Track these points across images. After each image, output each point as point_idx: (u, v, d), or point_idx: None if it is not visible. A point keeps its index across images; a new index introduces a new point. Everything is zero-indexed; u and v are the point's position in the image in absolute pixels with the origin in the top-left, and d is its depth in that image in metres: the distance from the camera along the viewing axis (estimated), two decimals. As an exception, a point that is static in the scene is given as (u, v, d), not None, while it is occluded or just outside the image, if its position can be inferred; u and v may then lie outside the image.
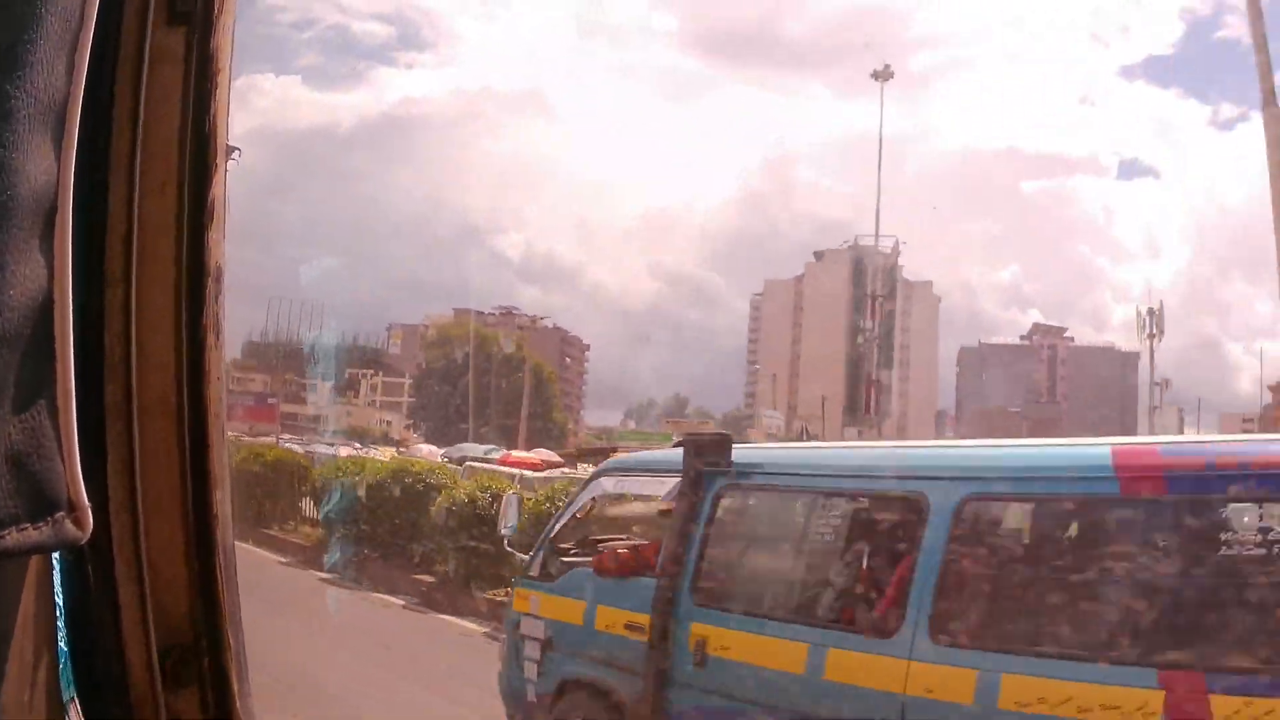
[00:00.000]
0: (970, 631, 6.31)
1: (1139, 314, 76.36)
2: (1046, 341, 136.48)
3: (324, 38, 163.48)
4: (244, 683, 1.85)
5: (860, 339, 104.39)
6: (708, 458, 7.88)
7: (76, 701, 1.72)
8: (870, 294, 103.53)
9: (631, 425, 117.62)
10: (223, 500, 1.81)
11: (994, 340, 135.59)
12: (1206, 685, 5.20)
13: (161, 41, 1.71)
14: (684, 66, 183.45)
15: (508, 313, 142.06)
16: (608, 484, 9.92)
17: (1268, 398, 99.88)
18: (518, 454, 43.04)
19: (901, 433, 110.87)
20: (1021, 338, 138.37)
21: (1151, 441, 7.66)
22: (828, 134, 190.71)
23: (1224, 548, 5.69)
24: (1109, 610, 5.99)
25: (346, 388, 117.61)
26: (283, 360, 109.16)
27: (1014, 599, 6.48)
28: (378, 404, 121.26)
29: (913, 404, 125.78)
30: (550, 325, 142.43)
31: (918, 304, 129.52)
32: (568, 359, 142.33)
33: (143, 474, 1.73)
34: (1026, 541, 6.85)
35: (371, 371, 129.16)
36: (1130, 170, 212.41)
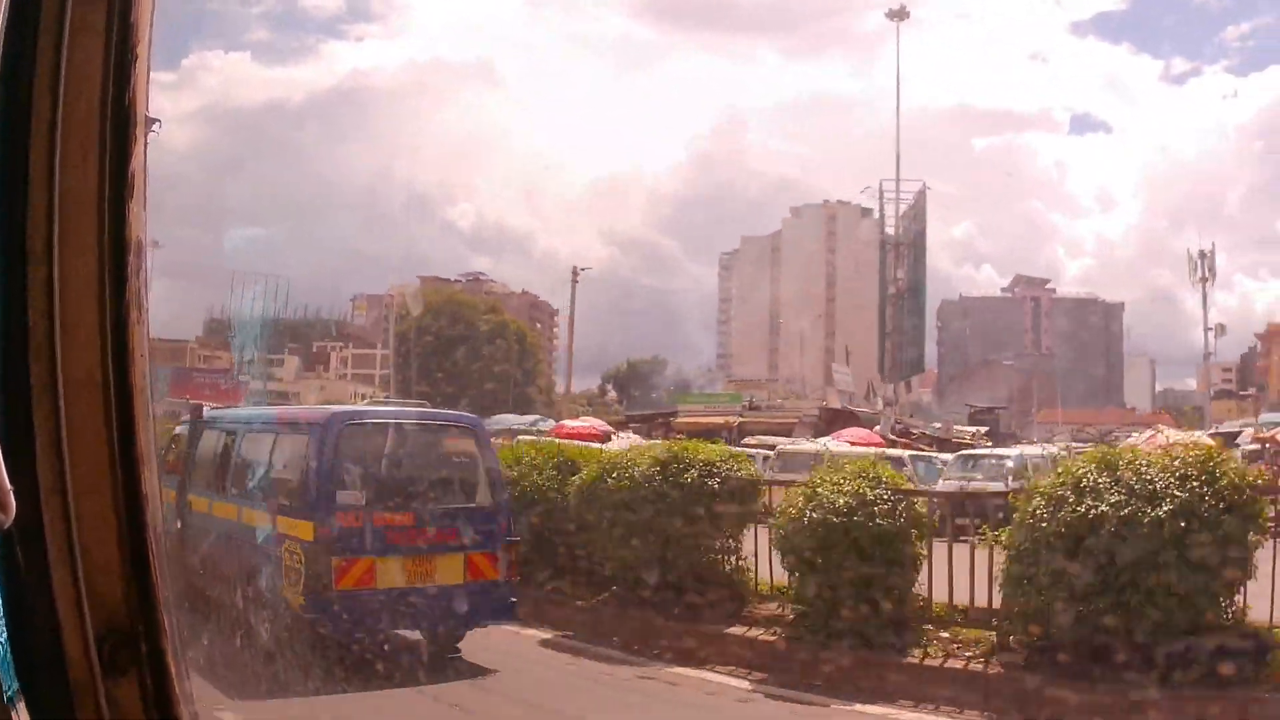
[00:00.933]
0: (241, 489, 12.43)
1: (1190, 256, 73.02)
2: (1029, 293, 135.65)
3: (273, 13, 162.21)
4: (181, 666, 1.82)
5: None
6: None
7: (21, 695, 1.69)
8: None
9: (611, 391, 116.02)
10: (151, 479, 1.77)
11: (974, 294, 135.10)
12: None
13: (81, 13, 1.67)
14: (635, 34, 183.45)
15: (475, 279, 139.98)
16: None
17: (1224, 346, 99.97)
18: (573, 424, 40.15)
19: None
20: (1003, 290, 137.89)
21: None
22: (778, 97, 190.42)
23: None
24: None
25: (315, 361, 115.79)
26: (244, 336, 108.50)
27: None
28: (349, 377, 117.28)
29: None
30: (519, 291, 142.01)
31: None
32: (538, 324, 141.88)
33: (71, 455, 1.70)
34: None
35: (341, 344, 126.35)
36: (1082, 125, 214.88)
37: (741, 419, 56.75)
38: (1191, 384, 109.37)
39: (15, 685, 1.65)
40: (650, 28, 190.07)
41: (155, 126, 1.74)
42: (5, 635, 1.65)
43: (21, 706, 1.65)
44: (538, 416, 56.08)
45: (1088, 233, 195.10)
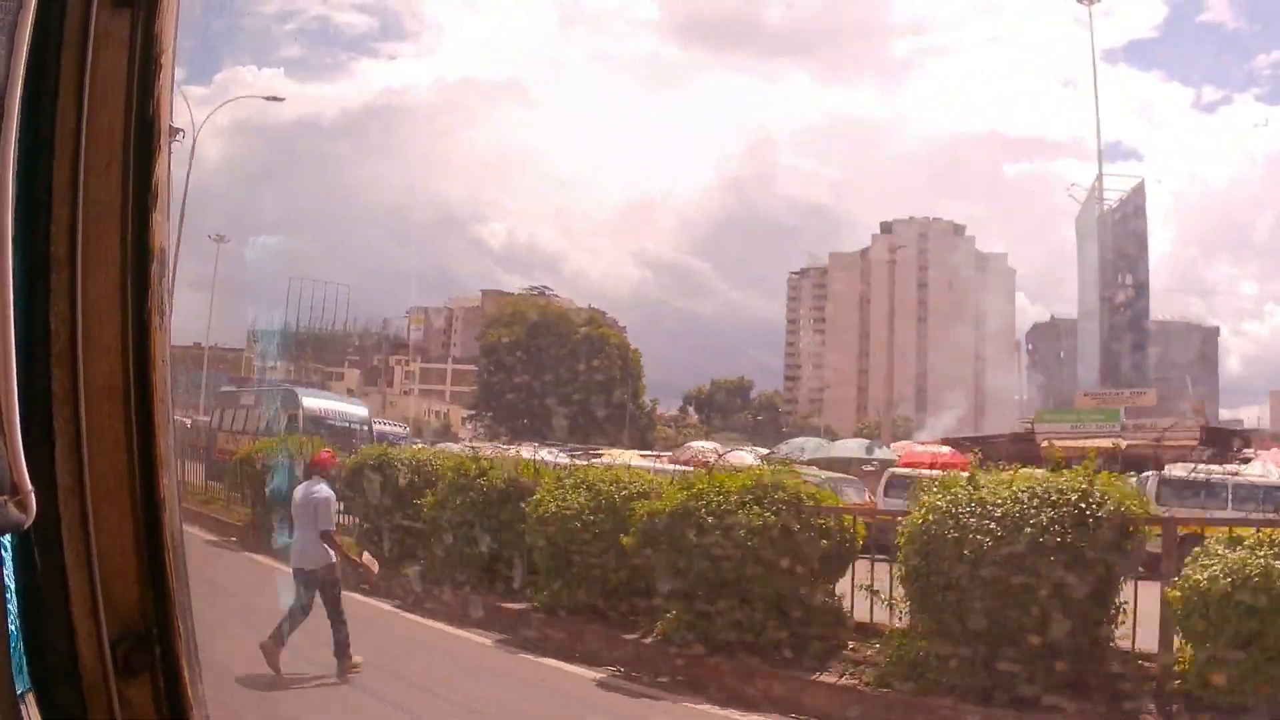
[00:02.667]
0: None
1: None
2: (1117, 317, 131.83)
3: (306, 29, 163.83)
4: (195, 670, 1.84)
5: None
6: None
7: (33, 693, 1.71)
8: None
9: (692, 414, 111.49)
10: (170, 484, 1.80)
11: (1067, 315, 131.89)
12: None
13: (106, 25, 1.70)
14: (665, 54, 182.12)
15: (540, 292, 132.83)
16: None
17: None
18: (923, 450, 34.33)
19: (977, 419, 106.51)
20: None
21: None
22: (808, 119, 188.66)
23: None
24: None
25: (376, 375, 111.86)
26: (298, 348, 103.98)
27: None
28: (414, 392, 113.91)
29: (989, 383, 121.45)
30: (586, 306, 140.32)
31: (992, 277, 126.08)
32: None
33: (90, 458, 1.72)
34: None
35: (406, 357, 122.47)
36: (1113, 153, 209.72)
37: (1126, 441, 45.16)
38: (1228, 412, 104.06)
39: (28, 685, 1.68)
40: (680, 48, 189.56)
41: (178, 136, 1.75)
42: (19, 635, 1.68)
43: (34, 706, 1.68)
44: (867, 442, 47.44)
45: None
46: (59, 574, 1.72)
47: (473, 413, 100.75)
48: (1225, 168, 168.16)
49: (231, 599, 13.26)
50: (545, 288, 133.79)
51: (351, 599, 12.20)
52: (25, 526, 1.57)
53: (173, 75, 1.75)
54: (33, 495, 1.55)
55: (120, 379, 1.74)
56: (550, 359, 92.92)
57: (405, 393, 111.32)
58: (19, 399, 1.55)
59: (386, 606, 15.02)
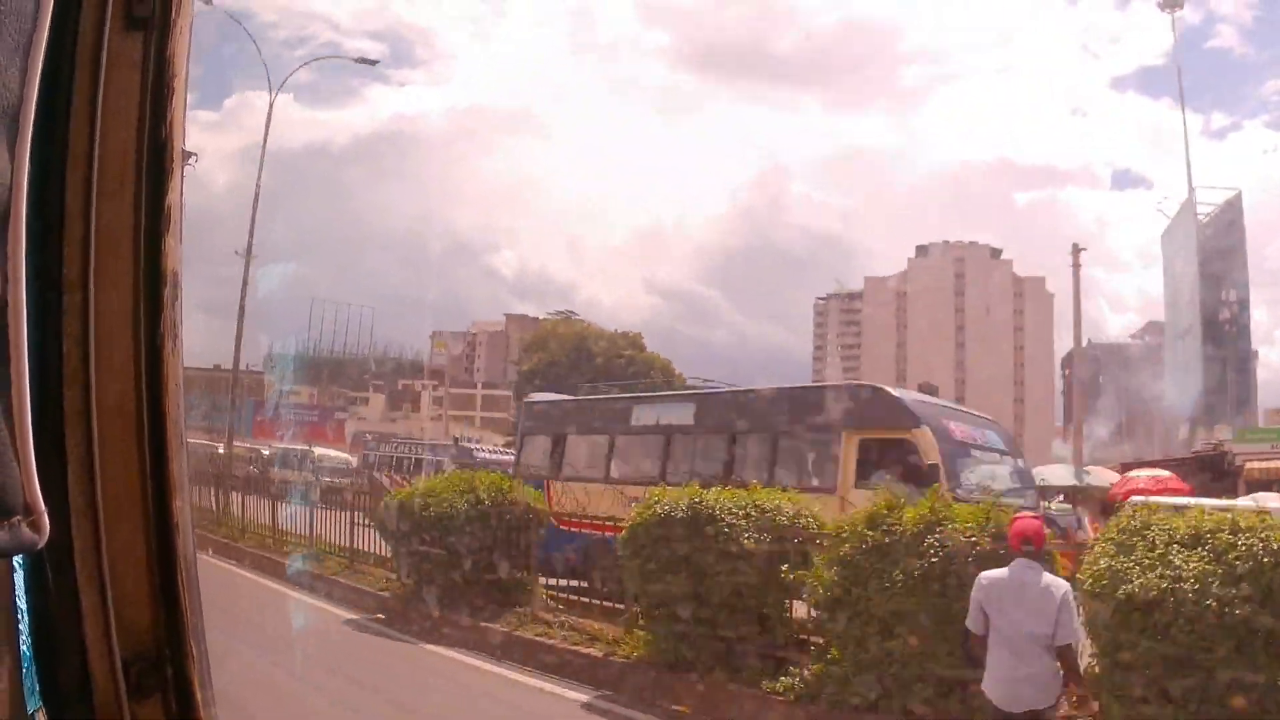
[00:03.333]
0: None
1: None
2: (1159, 340, 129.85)
3: (317, 56, 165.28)
4: (208, 692, 1.84)
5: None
6: None
7: (44, 710, 1.72)
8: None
9: None
10: (183, 508, 1.80)
11: (1103, 340, 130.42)
12: None
13: (118, 46, 1.70)
14: (677, 83, 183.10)
15: (566, 317, 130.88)
16: None
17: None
18: (1139, 476, 30.45)
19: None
20: (1131, 336, 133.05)
21: None
22: (819, 148, 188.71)
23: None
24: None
25: (401, 400, 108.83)
26: (321, 371, 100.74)
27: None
28: (443, 418, 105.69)
29: (1030, 410, 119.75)
30: (615, 330, 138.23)
31: (1030, 302, 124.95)
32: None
33: (103, 480, 1.73)
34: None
35: (433, 382, 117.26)
36: (1123, 180, 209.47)
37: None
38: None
39: (39, 704, 1.68)
40: (691, 76, 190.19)
41: (192, 160, 1.76)
42: (31, 655, 1.68)
43: (41, 718, 1.68)
44: (1073, 467, 43.53)
45: (1129, 288, 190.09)
46: (71, 595, 1.72)
47: (511, 438, 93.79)
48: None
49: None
50: (571, 312, 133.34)
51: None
52: (38, 547, 1.57)
53: (185, 98, 1.76)
54: (45, 516, 1.55)
55: (133, 401, 1.75)
56: (591, 383, 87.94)
57: (434, 418, 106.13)
58: (32, 419, 1.55)
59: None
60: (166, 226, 1.75)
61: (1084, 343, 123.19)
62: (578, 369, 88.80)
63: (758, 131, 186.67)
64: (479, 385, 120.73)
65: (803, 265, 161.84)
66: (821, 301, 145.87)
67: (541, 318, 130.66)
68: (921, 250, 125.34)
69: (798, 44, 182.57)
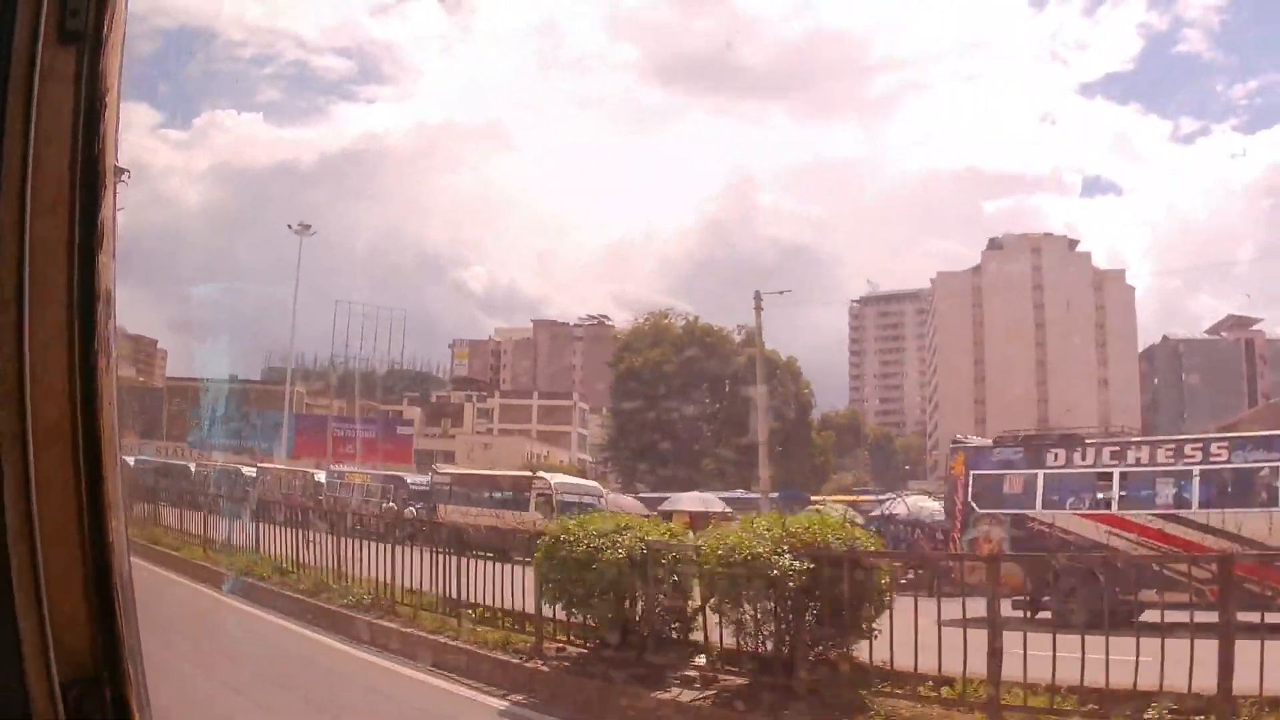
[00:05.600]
0: None
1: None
2: (1240, 334, 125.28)
3: (284, 73, 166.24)
4: (146, 714, 1.81)
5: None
6: None
7: None
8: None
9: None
10: (119, 529, 1.77)
11: (1181, 335, 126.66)
12: None
13: (51, 61, 1.68)
14: (645, 96, 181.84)
15: (599, 323, 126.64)
16: None
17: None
18: None
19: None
20: (1207, 331, 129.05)
21: None
22: (788, 159, 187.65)
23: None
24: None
25: (440, 414, 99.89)
26: (343, 383, 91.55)
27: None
28: (494, 431, 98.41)
29: (1115, 411, 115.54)
30: (720, 326, 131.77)
31: (1110, 296, 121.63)
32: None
33: (39, 502, 1.70)
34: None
35: (483, 393, 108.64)
36: (1092, 187, 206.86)
37: None
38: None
39: None
40: (659, 90, 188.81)
41: (124, 177, 1.73)
42: None
43: None
44: None
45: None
46: (9, 618, 1.70)
47: (607, 455, 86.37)
48: (1204, 199, 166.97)
49: None
50: (604, 317, 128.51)
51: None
52: None
53: (118, 114, 1.74)
54: None
55: (68, 421, 1.72)
56: (707, 388, 79.63)
57: (481, 433, 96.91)
58: None
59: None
60: (100, 243, 1.72)
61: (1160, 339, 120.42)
62: (688, 371, 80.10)
63: (726, 143, 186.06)
64: (534, 395, 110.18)
65: (772, 275, 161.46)
66: (856, 305, 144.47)
67: (573, 323, 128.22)
68: (994, 243, 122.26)
69: (765, 55, 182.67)
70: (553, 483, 35.84)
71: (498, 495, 37.35)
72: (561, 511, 30.98)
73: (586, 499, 34.46)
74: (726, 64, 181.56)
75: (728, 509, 38.78)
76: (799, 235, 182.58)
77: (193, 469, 45.13)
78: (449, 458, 74.35)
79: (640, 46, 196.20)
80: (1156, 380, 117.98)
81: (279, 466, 52.00)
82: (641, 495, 45.43)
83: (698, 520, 35.53)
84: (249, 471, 45.15)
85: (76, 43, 1.69)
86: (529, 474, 39.16)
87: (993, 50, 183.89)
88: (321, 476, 46.96)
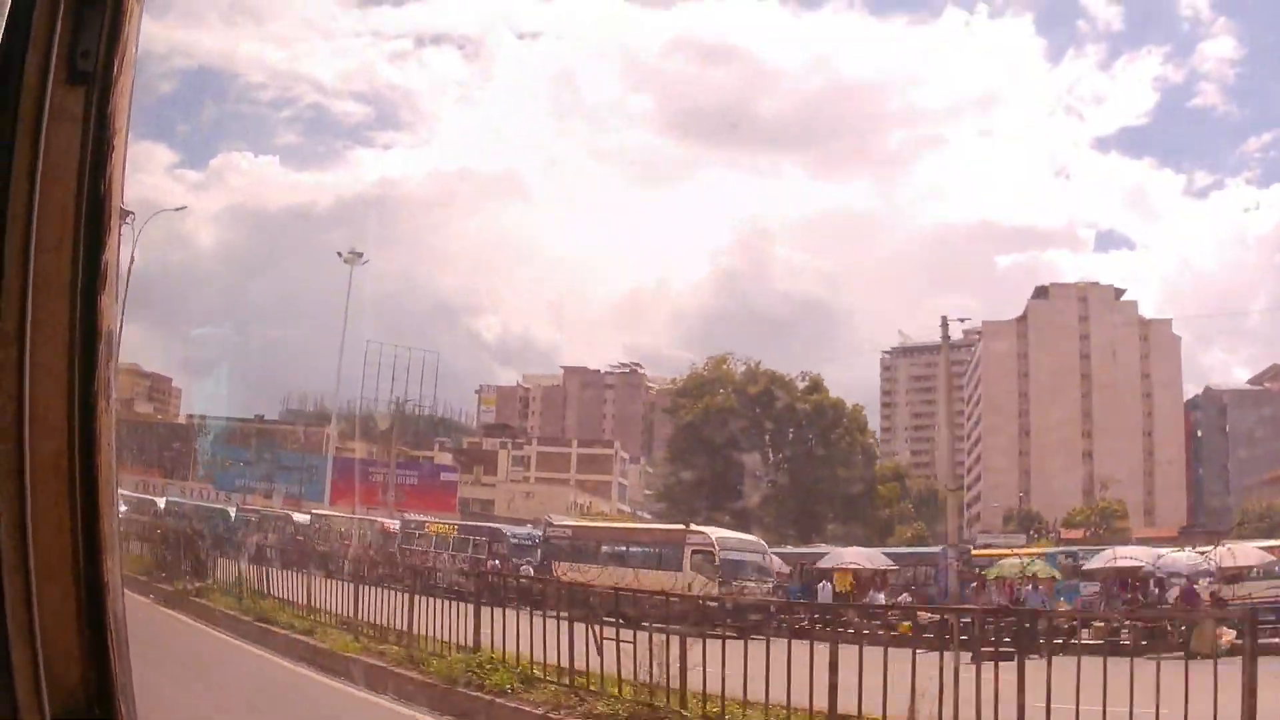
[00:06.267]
0: None
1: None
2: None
3: (302, 117, 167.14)
4: (136, 752, 1.81)
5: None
6: None
7: None
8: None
9: None
10: (113, 568, 1.77)
11: (1223, 385, 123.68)
12: None
13: (60, 101, 1.70)
14: (659, 148, 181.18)
15: (632, 370, 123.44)
16: None
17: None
18: None
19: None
20: (1250, 381, 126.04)
21: None
22: (802, 212, 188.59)
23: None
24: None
25: (472, 461, 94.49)
26: (372, 426, 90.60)
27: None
28: (531, 479, 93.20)
29: (1160, 465, 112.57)
30: (784, 373, 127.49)
31: (1155, 346, 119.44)
32: None
33: (35, 538, 1.71)
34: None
35: (517, 439, 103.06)
36: (1106, 242, 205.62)
37: None
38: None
39: None
40: (674, 142, 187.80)
41: (129, 218, 1.74)
42: None
43: None
44: None
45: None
46: (2, 652, 1.70)
47: (662, 505, 79.16)
48: (1216, 252, 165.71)
49: None
50: (636, 364, 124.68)
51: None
52: None
53: (125, 155, 1.75)
54: None
55: (66, 459, 1.73)
56: (772, 436, 76.08)
57: (517, 480, 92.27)
58: None
59: None
60: (103, 285, 1.73)
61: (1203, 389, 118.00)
62: (753, 418, 75.65)
63: (740, 196, 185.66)
64: (572, 443, 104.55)
65: (785, 329, 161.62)
66: (888, 356, 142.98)
67: (604, 370, 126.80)
68: (1040, 291, 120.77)
69: (780, 108, 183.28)
70: (713, 537, 31.25)
71: (636, 552, 32.63)
72: (724, 572, 28.39)
73: (750, 556, 30.96)
74: (741, 116, 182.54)
75: (892, 564, 36.49)
76: (812, 289, 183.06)
77: (232, 514, 43.31)
78: (488, 506, 72.62)
79: (655, 98, 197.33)
80: (1200, 433, 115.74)
81: (334, 513, 49.22)
82: (779, 550, 39.83)
83: (862, 580, 33.74)
84: (300, 518, 43.29)
85: (86, 84, 1.71)
86: (681, 527, 34.15)
87: (1008, 104, 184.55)
88: (393, 525, 43.89)
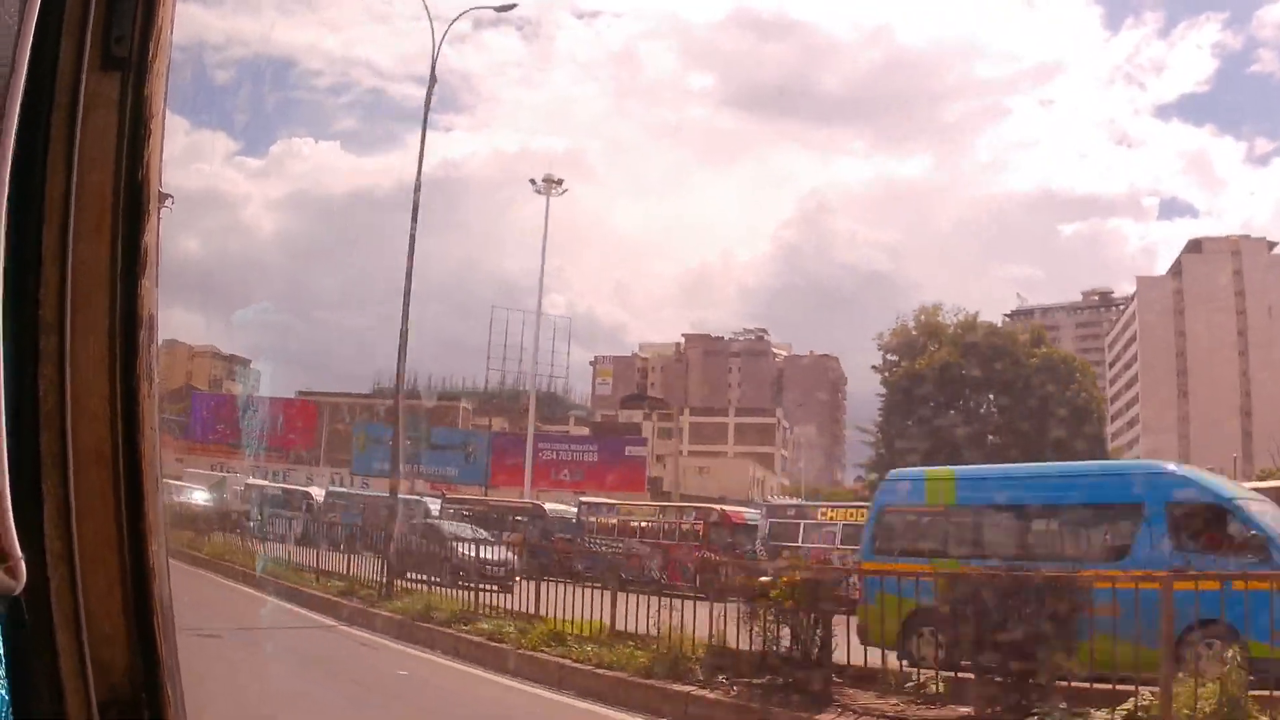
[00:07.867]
0: None
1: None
2: None
3: (361, 101, 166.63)
4: (183, 736, 1.81)
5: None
6: None
7: None
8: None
9: None
10: (159, 551, 1.77)
11: None
12: None
13: (96, 86, 1.69)
14: (720, 124, 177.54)
15: (759, 337, 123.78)
16: None
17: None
18: None
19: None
20: None
21: None
22: (863, 185, 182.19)
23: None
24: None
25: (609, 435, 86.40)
26: (508, 400, 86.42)
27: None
28: (684, 453, 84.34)
29: None
30: (808, 353, 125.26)
31: None
32: (840, 394, 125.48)
33: (79, 525, 1.71)
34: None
35: (665, 409, 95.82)
36: (1170, 209, 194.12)
37: None
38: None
39: None
40: (734, 118, 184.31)
41: (168, 202, 1.73)
42: (8, 700, 1.68)
43: None
44: None
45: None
46: (48, 640, 1.71)
47: (874, 477, 67.04)
48: (1278, 219, 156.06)
49: None
50: (762, 331, 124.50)
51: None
52: (15, 593, 1.57)
53: (162, 139, 1.74)
54: (22, 563, 1.54)
55: (109, 445, 1.73)
56: (1001, 395, 69.63)
57: (661, 457, 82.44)
58: (8, 464, 1.54)
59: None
60: (143, 269, 1.72)
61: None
62: (977, 374, 69.94)
63: (801, 171, 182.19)
64: (730, 412, 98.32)
65: (849, 302, 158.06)
66: (1007, 320, 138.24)
67: (728, 336, 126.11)
68: (1194, 245, 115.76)
69: (840, 81, 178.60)
70: None
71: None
72: None
73: None
74: (801, 91, 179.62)
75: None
76: (875, 261, 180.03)
77: (434, 508, 38.48)
78: (656, 484, 67.43)
79: (715, 74, 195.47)
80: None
81: (505, 501, 44.49)
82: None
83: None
84: (554, 508, 38.59)
85: (121, 69, 1.70)
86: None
87: (1067, 73, 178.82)
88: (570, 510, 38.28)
